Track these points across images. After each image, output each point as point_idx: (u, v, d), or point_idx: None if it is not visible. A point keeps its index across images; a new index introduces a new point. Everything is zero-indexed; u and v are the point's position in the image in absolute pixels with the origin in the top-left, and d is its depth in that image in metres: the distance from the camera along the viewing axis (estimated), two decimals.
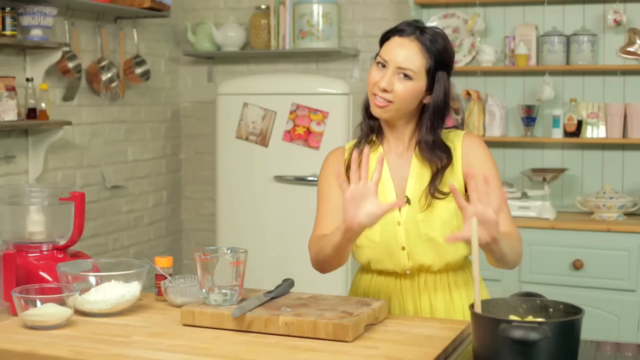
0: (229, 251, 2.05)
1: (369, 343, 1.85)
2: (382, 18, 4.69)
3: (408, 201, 2.14)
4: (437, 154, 2.13)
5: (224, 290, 2.00)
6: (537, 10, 4.37)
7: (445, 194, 2.11)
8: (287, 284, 2.14)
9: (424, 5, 4.50)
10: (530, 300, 1.79)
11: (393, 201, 2.00)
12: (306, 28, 4.61)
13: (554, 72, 4.29)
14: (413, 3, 4.38)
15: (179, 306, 2.10)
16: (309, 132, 4.27)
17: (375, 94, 2.09)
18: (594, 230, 3.90)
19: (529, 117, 4.30)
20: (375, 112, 2.12)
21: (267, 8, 4.77)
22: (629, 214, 4.14)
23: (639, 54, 4.18)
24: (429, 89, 2.11)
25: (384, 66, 2.09)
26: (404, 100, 2.09)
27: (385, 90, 2.07)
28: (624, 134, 4.18)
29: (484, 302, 1.75)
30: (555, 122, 4.24)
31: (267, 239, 4.35)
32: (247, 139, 4.40)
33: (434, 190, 2.12)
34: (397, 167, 2.17)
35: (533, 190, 4.19)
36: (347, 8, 4.77)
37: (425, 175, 2.15)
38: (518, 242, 2.10)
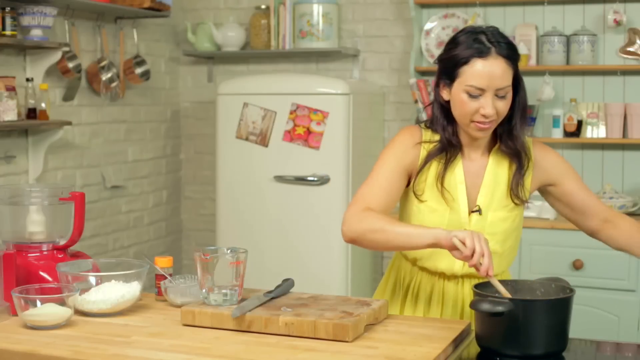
0: (229, 251, 2.05)
1: (369, 343, 1.85)
2: (382, 18, 4.69)
3: (479, 210, 2.15)
4: (525, 151, 2.18)
5: (224, 290, 2.00)
6: (537, 10, 4.37)
7: (521, 201, 2.16)
8: (287, 284, 2.14)
9: (424, 5, 4.50)
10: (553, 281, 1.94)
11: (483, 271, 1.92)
12: (306, 28, 4.61)
13: (554, 72, 4.29)
14: (413, 3, 4.38)
15: (179, 306, 2.11)
16: (309, 132, 4.27)
17: (476, 121, 2.07)
18: None
19: (529, 117, 4.30)
20: (478, 135, 2.11)
21: (267, 8, 4.77)
22: (629, 214, 4.13)
23: (639, 54, 4.18)
24: (515, 88, 2.12)
25: (477, 95, 2.04)
26: (503, 115, 2.10)
27: (491, 115, 2.06)
28: (624, 134, 4.18)
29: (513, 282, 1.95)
30: (555, 122, 4.24)
31: (267, 239, 4.35)
32: (247, 139, 4.40)
33: (516, 189, 2.15)
34: (471, 174, 2.17)
35: None
36: (347, 8, 4.76)
37: (500, 183, 2.17)
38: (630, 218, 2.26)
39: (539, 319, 1.76)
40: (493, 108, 2.04)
